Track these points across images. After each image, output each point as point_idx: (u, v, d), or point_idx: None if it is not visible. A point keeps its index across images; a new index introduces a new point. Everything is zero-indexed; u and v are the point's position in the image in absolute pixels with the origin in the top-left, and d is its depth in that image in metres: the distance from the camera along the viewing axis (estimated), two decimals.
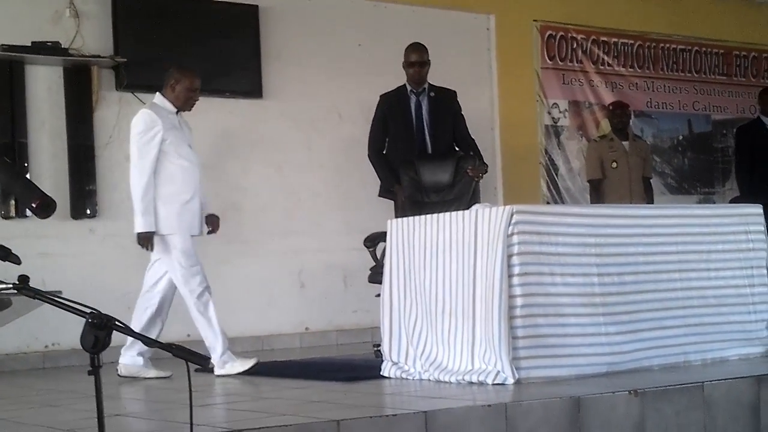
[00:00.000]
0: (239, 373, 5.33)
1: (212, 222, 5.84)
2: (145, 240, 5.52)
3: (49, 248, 6.81)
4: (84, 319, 2.30)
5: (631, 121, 8.59)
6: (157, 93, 5.74)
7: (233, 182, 7.55)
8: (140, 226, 5.50)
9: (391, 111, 6.71)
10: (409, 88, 6.75)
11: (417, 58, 6.68)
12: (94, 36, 7.06)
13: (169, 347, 2.41)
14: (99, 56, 7.00)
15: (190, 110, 5.76)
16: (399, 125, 6.67)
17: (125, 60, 7.02)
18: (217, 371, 5.36)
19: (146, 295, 5.69)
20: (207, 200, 5.83)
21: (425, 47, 6.75)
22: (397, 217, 6.29)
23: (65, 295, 2.40)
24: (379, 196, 6.86)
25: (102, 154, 6.99)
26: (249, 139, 7.63)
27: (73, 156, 6.93)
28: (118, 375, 5.46)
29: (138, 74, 7.09)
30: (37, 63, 6.87)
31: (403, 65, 6.75)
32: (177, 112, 5.69)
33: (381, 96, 6.82)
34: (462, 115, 6.84)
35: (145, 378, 5.43)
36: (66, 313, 2.38)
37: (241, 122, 7.61)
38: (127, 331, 2.39)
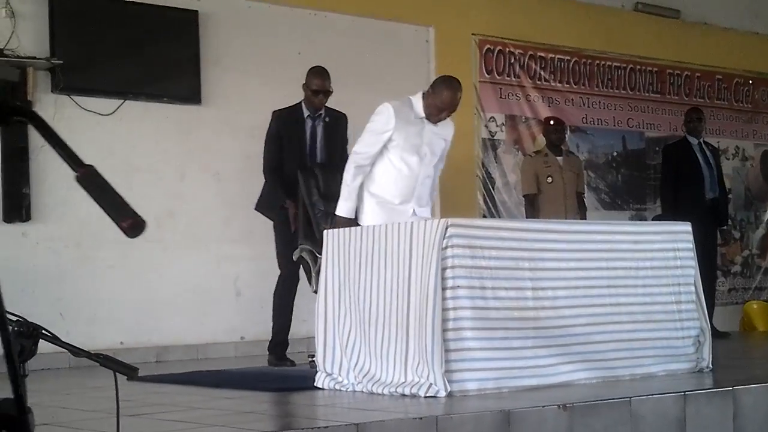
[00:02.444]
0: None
1: None
2: (340, 225, 5.30)
3: None
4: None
5: (566, 137, 8.71)
6: (422, 91, 5.53)
7: (169, 188, 7.50)
8: (339, 210, 5.45)
9: (286, 130, 6.54)
10: (306, 111, 6.59)
11: (319, 86, 6.51)
12: (30, 37, 6.96)
13: (96, 357, 2.39)
14: (35, 58, 6.90)
15: (434, 124, 5.50)
16: (294, 147, 6.50)
17: (62, 62, 6.93)
18: None
19: None
20: (427, 210, 5.65)
21: (329, 74, 6.58)
22: (278, 230, 6.41)
23: None
24: (257, 209, 6.79)
25: (37, 157, 6.89)
26: (186, 145, 7.59)
27: (6, 158, 6.82)
28: None
29: (75, 77, 7.01)
30: None
31: (305, 87, 6.57)
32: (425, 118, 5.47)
33: (274, 112, 6.65)
34: (347, 139, 6.75)
35: None
36: None
37: (178, 128, 7.56)
38: (55, 340, 2.37)
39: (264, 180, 6.72)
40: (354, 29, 8.37)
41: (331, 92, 6.59)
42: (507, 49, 9.25)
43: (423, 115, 5.46)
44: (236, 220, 7.72)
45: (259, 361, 6.66)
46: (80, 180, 1.51)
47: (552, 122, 8.45)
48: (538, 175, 8.14)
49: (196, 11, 7.62)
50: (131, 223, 1.48)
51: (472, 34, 9.05)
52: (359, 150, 5.48)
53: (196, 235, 7.56)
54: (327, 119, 6.61)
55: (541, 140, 8.89)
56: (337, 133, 6.65)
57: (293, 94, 7.97)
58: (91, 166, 1.60)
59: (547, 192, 8.10)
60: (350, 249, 4.84)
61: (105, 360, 2.38)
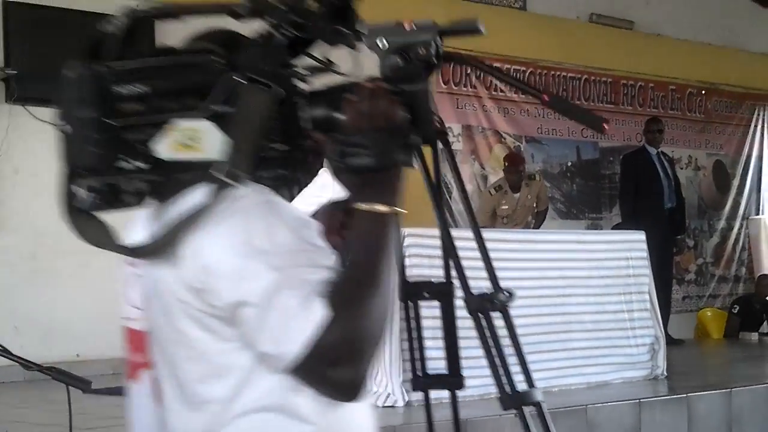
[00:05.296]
0: None
1: None
2: None
3: None
4: None
5: (524, 169, 8.74)
6: None
7: None
8: None
9: None
10: None
11: None
12: None
13: (48, 370, 2.38)
14: None
15: None
16: None
17: (16, 72, 6.86)
18: None
19: None
20: None
21: None
22: None
23: None
24: None
25: None
26: None
27: None
28: None
29: (29, 87, 6.92)
30: None
31: None
32: None
33: None
34: None
35: None
36: None
37: None
38: (5, 353, 2.36)
39: None
40: None
41: None
42: None
43: None
44: None
45: None
46: (549, 103, 1.56)
47: (506, 162, 8.54)
48: (496, 212, 8.30)
49: (153, 20, 7.57)
50: (602, 122, 1.58)
51: None
52: None
53: None
54: None
55: (498, 151, 8.95)
56: None
57: None
58: (551, 92, 1.69)
59: (500, 227, 8.26)
60: None
61: (57, 373, 2.37)
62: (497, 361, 1.56)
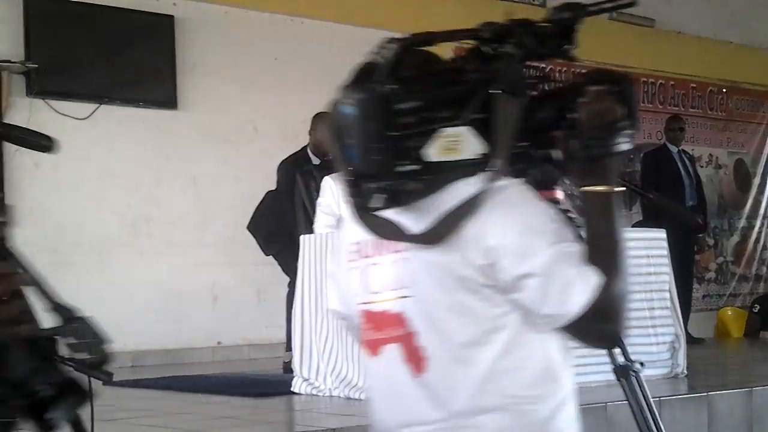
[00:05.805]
0: None
1: None
2: None
3: None
4: None
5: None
6: None
7: (145, 193, 7.47)
8: None
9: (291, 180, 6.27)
10: (314, 160, 6.28)
11: None
12: (4, 40, 6.92)
13: (70, 361, 2.38)
14: (9, 61, 6.86)
15: None
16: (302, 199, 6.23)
17: (37, 66, 6.90)
18: None
19: None
20: None
21: None
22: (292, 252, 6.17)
23: None
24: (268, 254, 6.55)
25: (11, 161, 6.85)
26: (162, 150, 7.56)
27: None
28: None
29: (50, 81, 6.97)
30: None
31: (313, 133, 6.29)
32: None
33: (281, 164, 6.42)
34: None
35: None
36: None
37: (154, 132, 7.53)
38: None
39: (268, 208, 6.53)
40: (331, 35, 8.36)
41: None
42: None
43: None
44: (213, 225, 7.70)
45: (236, 366, 6.64)
46: (654, 202, 1.98)
47: None
48: None
49: (172, 16, 7.60)
50: (695, 218, 1.88)
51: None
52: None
53: (172, 241, 7.53)
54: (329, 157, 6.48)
55: None
56: None
57: (270, 100, 7.98)
58: (655, 193, 2.17)
59: None
60: (327, 254, 4.84)
61: (79, 364, 2.37)
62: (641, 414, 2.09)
